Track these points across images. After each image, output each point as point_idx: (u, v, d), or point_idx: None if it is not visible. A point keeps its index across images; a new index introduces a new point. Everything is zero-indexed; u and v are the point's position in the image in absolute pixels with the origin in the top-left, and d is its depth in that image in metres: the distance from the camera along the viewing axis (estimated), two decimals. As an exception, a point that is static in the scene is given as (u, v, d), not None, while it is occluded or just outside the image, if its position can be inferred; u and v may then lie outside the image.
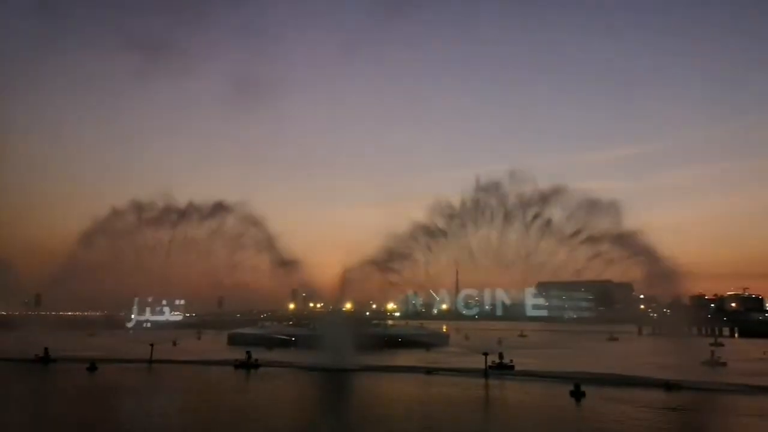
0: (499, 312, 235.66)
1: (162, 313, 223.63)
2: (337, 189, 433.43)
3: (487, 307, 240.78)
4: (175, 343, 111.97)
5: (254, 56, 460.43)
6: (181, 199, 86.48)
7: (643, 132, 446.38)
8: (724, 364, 79.54)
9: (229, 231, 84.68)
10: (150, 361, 76.44)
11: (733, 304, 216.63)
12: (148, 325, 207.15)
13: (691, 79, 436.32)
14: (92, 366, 68.58)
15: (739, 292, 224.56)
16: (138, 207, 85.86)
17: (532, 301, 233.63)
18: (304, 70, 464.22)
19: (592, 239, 70.12)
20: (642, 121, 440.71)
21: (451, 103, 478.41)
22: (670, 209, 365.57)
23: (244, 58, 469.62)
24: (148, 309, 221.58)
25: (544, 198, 72.81)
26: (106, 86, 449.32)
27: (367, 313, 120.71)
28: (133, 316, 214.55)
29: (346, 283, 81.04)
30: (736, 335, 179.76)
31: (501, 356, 73.43)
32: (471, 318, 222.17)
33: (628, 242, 68.16)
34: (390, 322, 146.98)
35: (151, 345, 78.43)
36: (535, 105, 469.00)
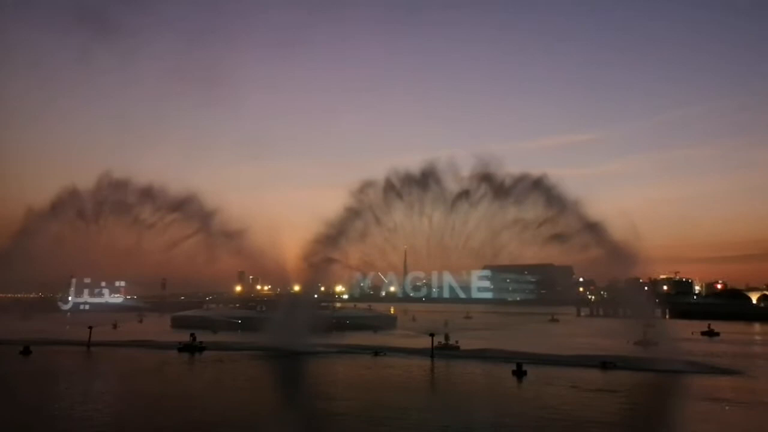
0: (446, 294, 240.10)
1: (101, 295, 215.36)
2: (291, 172, 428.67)
3: (434, 289, 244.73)
4: (115, 326, 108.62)
5: (205, 36, 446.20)
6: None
7: (589, 122, 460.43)
8: (655, 343, 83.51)
9: (171, 209, 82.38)
10: (88, 344, 73.91)
11: (665, 287, 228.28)
12: (87, 307, 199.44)
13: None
14: (26, 349, 65.56)
15: (671, 276, 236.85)
16: (74, 191, 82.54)
17: (477, 284, 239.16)
18: (258, 50, 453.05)
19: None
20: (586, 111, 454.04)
21: (410, 87, 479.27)
22: (614, 195, 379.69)
23: (195, 37, 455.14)
24: (86, 291, 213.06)
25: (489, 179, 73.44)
26: (48, 65, 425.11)
27: (316, 296, 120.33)
28: (69, 298, 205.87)
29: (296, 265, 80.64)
30: (668, 316, 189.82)
31: (447, 337, 74.93)
32: (418, 300, 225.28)
33: (579, 218, 68.33)
34: (338, 304, 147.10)
35: (90, 327, 75.70)
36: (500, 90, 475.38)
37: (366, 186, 78.40)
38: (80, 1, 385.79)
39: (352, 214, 78.15)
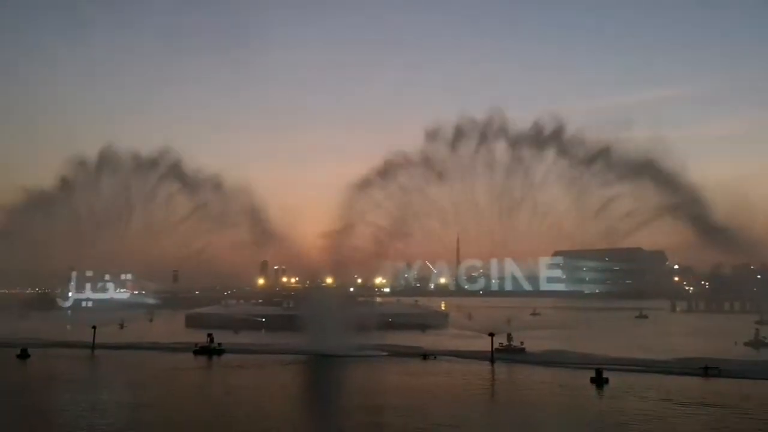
0: (508, 286, 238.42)
1: (105, 290, 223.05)
2: (312, 144, 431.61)
3: (493, 280, 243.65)
4: (122, 326, 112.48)
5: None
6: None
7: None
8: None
9: (189, 194, 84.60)
10: (92, 347, 76.88)
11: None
12: (89, 304, 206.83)
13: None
14: (23, 353, 68.81)
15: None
16: (81, 165, 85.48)
17: (547, 273, 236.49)
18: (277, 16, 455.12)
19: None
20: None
21: (451, 42, 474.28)
22: (714, 161, 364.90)
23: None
24: (88, 285, 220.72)
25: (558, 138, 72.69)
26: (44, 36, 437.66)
27: (352, 289, 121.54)
28: (70, 294, 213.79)
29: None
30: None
31: (510, 338, 74.63)
32: (475, 293, 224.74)
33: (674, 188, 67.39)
34: (378, 299, 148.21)
35: (94, 327, 78.74)
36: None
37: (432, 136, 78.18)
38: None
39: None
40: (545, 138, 73.69)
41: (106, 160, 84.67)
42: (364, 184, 79.83)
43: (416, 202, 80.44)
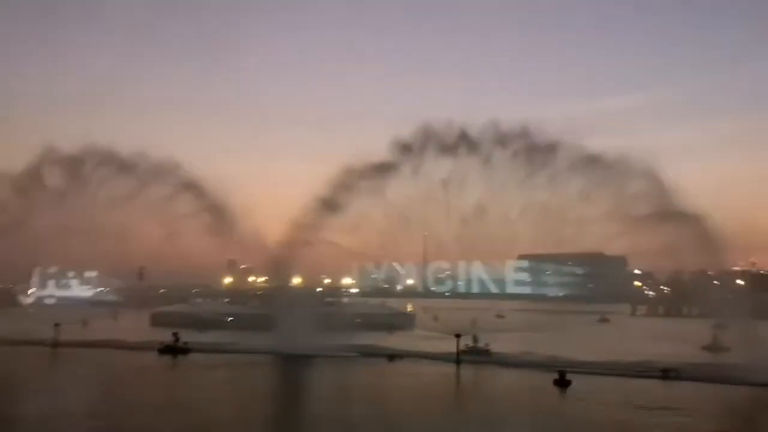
0: (474, 288, 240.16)
1: (69, 287, 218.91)
2: (284, 141, 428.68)
3: (460, 282, 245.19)
4: (85, 323, 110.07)
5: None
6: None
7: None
8: (728, 349, 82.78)
9: (152, 182, 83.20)
10: (54, 344, 75.20)
11: (741, 282, 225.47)
12: (52, 301, 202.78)
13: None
14: (-20, 351, 67.05)
15: (748, 267, 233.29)
16: (42, 159, 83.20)
17: (513, 276, 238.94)
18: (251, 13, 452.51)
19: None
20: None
21: (420, 47, 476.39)
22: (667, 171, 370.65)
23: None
24: (51, 282, 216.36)
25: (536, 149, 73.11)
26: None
27: (320, 289, 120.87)
28: (31, 290, 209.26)
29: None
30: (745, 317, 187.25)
31: (475, 339, 74.84)
32: (441, 295, 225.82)
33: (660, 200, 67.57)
34: (346, 299, 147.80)
35: (56, 325, 77.01)
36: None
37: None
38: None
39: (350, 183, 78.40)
40: (507, 138, 73.87)
41: (82, 157, 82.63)
42: (331, 194, 79.56)
43: (381, 204, 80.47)
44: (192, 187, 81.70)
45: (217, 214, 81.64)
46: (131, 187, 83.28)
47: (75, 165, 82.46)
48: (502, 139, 73.65)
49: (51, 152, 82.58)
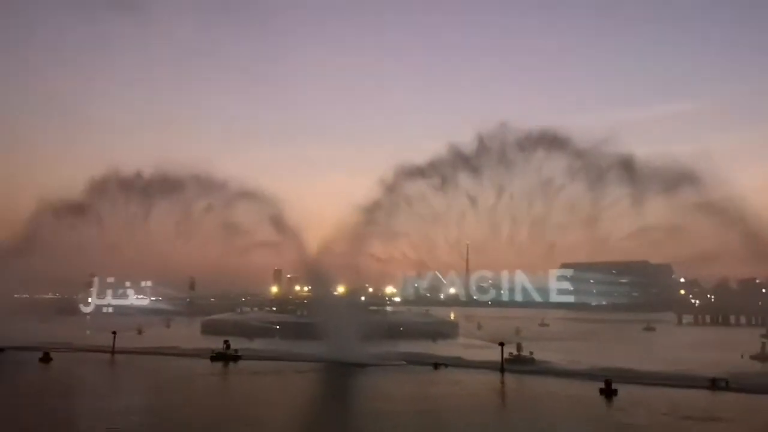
0: (518, 297, 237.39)
1: (125, 296, 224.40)
2: (334, 157, 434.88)
3: (503, 291, 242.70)
4: (140, 331, 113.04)
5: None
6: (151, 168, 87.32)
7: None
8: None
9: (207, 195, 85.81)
10: (112, 351, 77.38)
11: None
12: (110, 309, 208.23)
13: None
14: (46, 356, 69.42)
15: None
16: (105, 178, 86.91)
17: (556, 285, 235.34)
18: (298, 32, 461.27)
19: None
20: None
21: (462, 60, 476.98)
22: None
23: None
24: (109, 291, 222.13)
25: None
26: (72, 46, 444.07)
27: (363, 298, 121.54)
28: (90, 299, 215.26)
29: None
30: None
31: (519, 348, 74.20)
32: (484, 304, 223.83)
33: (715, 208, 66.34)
34: (389, 308, 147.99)
35: (114, 333, 79.26)
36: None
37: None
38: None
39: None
40: (555, 144, 73.69)
41: (140, 174, 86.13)
42: (373, 207, 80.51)
43: (425, 213, 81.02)
44: (251, 197, 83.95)
45: (276, 224, 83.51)
46: (185, 202, 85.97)
47: (134, 182, 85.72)
48: (548, 147, 73.52)
49: (113, 171, 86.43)
